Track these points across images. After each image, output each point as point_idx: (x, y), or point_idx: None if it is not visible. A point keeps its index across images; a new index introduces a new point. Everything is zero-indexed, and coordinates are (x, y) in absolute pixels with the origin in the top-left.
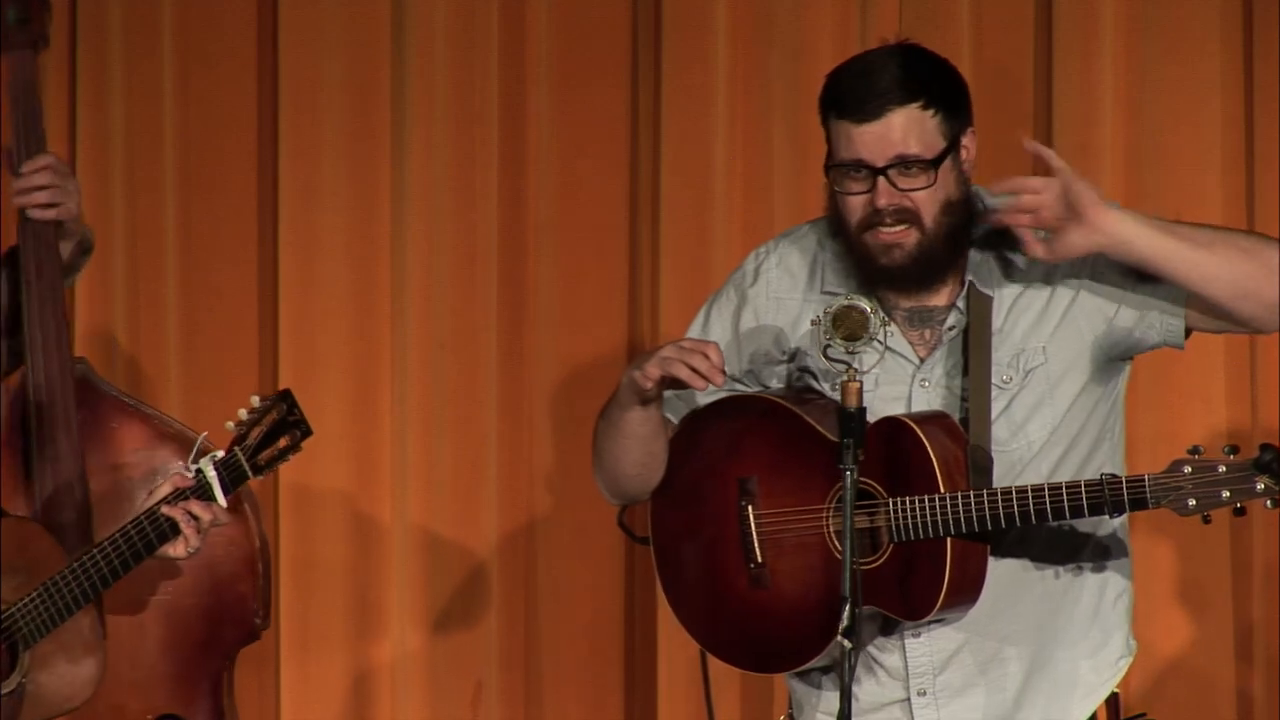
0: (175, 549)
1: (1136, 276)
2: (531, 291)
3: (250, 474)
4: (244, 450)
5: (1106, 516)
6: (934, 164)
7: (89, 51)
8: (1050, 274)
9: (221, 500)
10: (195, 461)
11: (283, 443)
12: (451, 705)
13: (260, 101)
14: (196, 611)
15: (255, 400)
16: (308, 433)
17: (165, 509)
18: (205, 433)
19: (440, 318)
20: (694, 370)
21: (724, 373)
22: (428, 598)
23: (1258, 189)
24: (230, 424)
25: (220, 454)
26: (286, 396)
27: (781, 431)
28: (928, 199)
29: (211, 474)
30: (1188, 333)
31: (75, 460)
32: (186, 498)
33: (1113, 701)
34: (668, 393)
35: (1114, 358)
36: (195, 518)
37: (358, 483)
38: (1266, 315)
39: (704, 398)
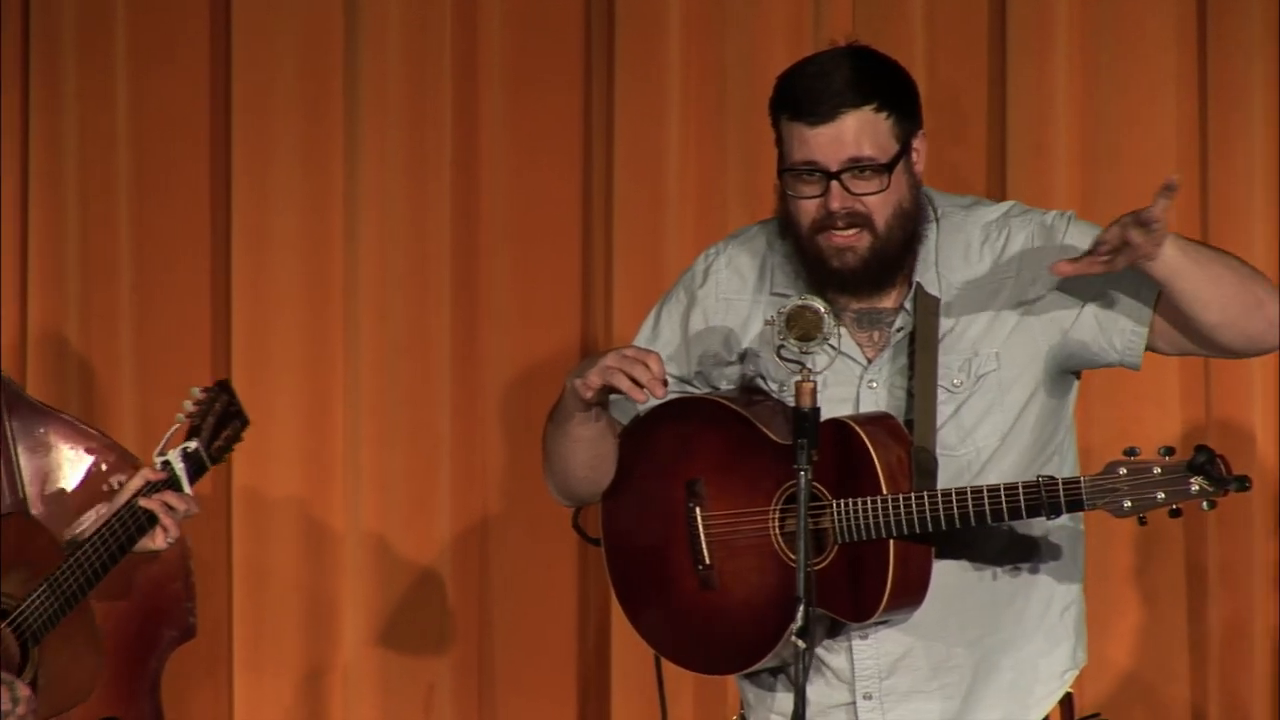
0: (155, 540)
1: (1099, 291)
2: (485, 293)
3: (209, 464)
4: (201, 441)
5: (1046, 519)
6: (887, 167)
7: (42, 54)
8: (1005, 279)
9: (188, 490)
10: (162, 454)
11: (227, 433)
12: (404, 708)
13: (213, 104)
14: (132, 613)
15: (197, 391)
16: (246, 422)
17: (143, 501)
18: (176, 426)
19: (393, 320)
20: (634, 381)
21: (665, 383)
22: (380, 601)
23: (1211, 187)
24: (180, 416)
25: (192, 445)
26: (226, 387)
27: (729, 434)
28: (880, 203)
29: (180, 466)
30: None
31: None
32: (160, 490)
33: (1067, 702)
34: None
35: (1066, 370)
36: (172, 508)
37: (311, 486)
38: (1244, 345)
39: (648, 401)
